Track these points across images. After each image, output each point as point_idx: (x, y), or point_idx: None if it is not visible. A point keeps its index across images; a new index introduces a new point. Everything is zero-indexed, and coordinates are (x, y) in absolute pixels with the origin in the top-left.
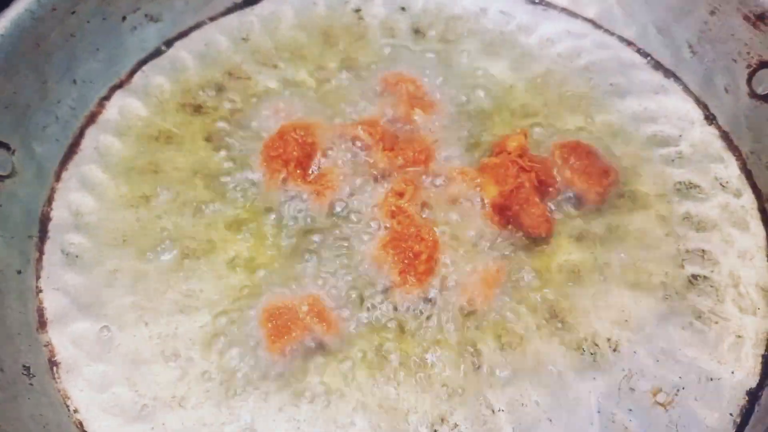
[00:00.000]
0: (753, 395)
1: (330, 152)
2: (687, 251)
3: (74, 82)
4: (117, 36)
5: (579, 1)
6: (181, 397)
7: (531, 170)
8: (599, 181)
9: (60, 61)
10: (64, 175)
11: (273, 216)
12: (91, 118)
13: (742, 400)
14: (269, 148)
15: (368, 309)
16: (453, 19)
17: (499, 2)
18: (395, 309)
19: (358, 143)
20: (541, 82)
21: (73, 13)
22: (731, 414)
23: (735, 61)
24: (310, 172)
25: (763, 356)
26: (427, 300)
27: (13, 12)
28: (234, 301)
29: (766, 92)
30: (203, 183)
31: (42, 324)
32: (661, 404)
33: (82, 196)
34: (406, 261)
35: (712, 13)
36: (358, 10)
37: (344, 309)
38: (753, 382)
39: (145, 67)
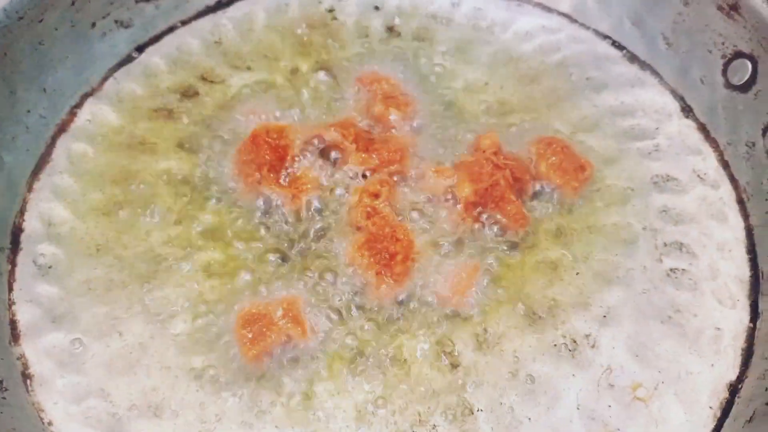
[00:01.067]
0: (733, 388)
1: (304, 154)
2: (665, 245)
3: (44, 90)
4: (87, 43)
5: None
6: (156, 406)
7: (506, 168)
8: (575, 176)
9: (29, 69)
10: (36, 185)
11: (248, 220)
12: (63, 127)
13: (722, 393)
14: (242, 152)
15: (344, 311)
16: (427, 16)
17: None
18: (372, 310)
19: (332, 145)
20: (517, 78)
21: (40, 21)
22: (711, 407)
23: (710, 51)
24: (284, 175)
25: (743, 349)
26: (404, 300)
27: None
28: (209, 307)
29: (741, 82)
30: (177, 189)
31: (15, 337)
32: (641, 399)
33: (55, 206)
34: (382, 262)
35: (686, 3)
36: (331, 10)
37: (320, 312)
38: (733, 375)
39: (116, 74)
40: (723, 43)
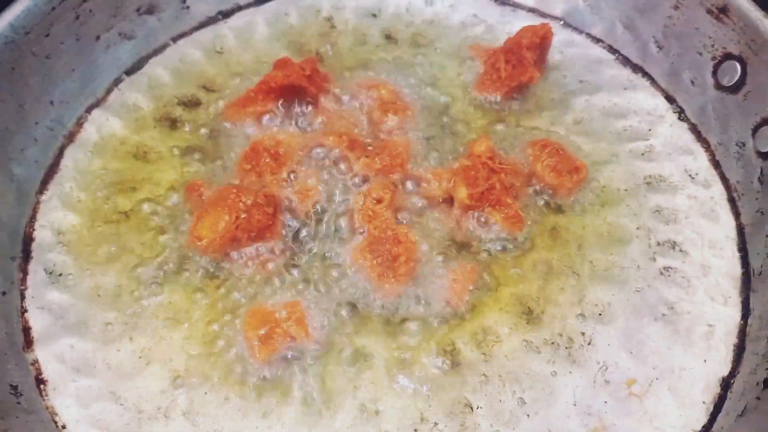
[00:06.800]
0: (725, 383)
1: (303, 162)
2: (658, 244)
3: (51, 103)
4: (92, 55)
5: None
6: (166, 408)
7: (501, 171)
8: (570, 178)
9: (36, 83)
10: (45, 195)
11: None
12: (70, 138)
13: (715, 388)
14: (244, 161)
15: (348, 313)
16: (424, 23)
17: (469, 5)
18: (374, 311)
19: (329, 152)
20: None
21: (47, 35)
22: (704, 402)
23: (700, 54)
24: (285, 182)
25: (735, 345)
26: (405, 302)
27: None
28: (217, 311)
29: (731, 84)
30: (182, 197)
31: (28, 343)
32: (636, 395)
33: (64, 215)
34: (385, 264)
35: (676, 7)
36: (329, 19)
37: (324, 314)
38: (725, 370)
39: (121, 85)
40: (713, 46)
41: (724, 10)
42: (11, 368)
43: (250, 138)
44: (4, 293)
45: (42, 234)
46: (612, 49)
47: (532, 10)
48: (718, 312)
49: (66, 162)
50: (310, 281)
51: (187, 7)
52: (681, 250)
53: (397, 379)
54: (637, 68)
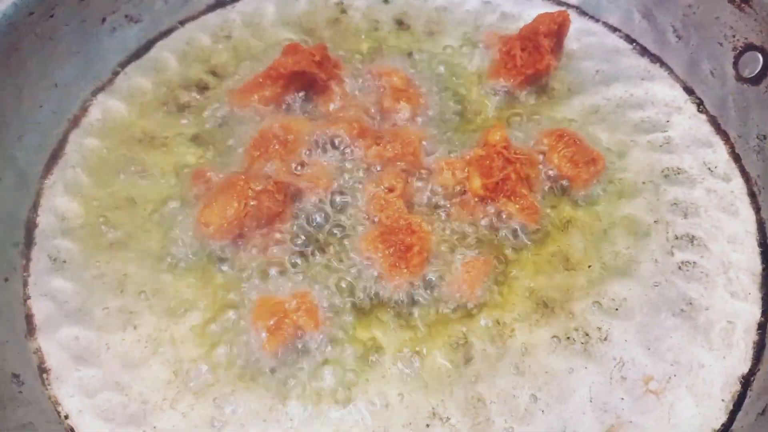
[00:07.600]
0: (745, 381)
1: (313, 150)
2: (676, 237)
3: (55, 86)
4: (97, 38)
5: None
6: (171, 398)
7: (516, 161)
8: (587, 169)
9: (39, 65)
10: (49, 180)
11: None
12: (74, 122)
13: (734, 386)
14: (251, 148)
15: (359, 304)
16: (436, 10)
17: None
18: (385, 303)
19: (339, 139)
20: None
21: (51, 16)
22: (723, 400)
23: (721, 44)
24: (294, 169)
25: (755, 342)
26: (418, 293)
27: None
28: (224, 300)
29: (752, 75)
30: (189, 183)
31: (31, 331)
32: (653, 392)
33: (68, 200)
34: (397, 254)
35: None
36: (340, 4)
37: (335, 304)
38: (745, 368)
39: (126, 69)
40: (734, 36)
41: None
42: (12, 357)
43: (259, 124)
44: (6, 280)
45: (46, 220)
46: (629, 39)
47: None
48: (738, 308)
49: (71, 147)
50: (320, 271)
51: None
52: (700, 245)
53: (408, 373)
54: (655, 58)
